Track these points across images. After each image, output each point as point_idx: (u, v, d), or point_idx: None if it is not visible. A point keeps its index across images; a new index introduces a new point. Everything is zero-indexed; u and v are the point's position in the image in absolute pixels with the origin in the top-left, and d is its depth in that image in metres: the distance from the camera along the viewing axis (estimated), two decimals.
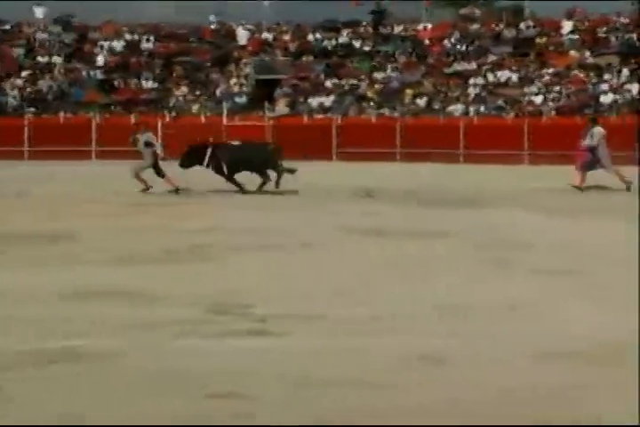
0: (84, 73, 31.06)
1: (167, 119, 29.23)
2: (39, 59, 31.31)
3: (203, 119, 29.76)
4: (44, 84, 30.27)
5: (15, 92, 29.77)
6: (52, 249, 11.28)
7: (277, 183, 18.29)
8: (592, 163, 18.76)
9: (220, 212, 15.17)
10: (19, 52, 31.47)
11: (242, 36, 32.95)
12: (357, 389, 5.85)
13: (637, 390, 5.60)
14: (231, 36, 33.18)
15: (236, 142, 19.98)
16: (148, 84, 31.00)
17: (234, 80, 31.43)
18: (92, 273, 9.71)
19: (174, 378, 6.08)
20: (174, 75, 31.44)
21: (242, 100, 30.91)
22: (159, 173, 18.09)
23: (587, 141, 18.94)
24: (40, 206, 15.80)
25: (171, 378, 6.08)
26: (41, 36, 32.08)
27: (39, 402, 5.64)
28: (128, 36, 32.47)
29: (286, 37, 33.02)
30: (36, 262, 10.30)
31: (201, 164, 18.82)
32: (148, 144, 18.25)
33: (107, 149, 27.57)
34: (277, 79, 31.52)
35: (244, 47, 32.74)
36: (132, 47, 32.31)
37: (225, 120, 29.59)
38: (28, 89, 30.02)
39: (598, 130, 19.09)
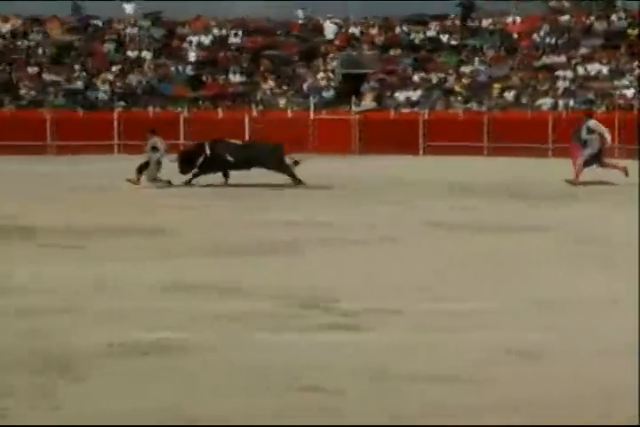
0: (172, 68, 31.35)
1: (254, 114, 29.36)
2: (129, 54, 31.69)
3: (289, 114, 29.83)
4: (133, 78, 30.64)
5: (106, 87, 30.18)
6: (147, 243, 11.41)
7: (295, 180, 18.31)
8: (591, 158, 18.78)
9: (302, 205, 15.21)
10: (109, 47, 31.90)
11: (329, 30, 32.94)
12: (444, 384, 5.80)
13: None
14: (318, 30, 33.19)
15: (236, 141, 19.98)
16: (236, 79, 31.17)
17: (321, 74, 31.44)
18: (184, 266, 9.79)
19: (262, 372, 6.09)
20: (262, 69, 31.55)
21: (329, 94, 30.91)
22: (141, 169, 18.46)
23: (584, 136, 18.97)
24: (132, 200, 16.02)
25: (258, 372, 6.09)
26: (131, 31, 32.48)
27: (133, 395, 5.70)
28: (216, 31, 32.69)
29: (373, 31, 32.92)
30: (130, 256, 10.43)
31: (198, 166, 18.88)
32: (154, 149, 18.60)
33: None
34: (364, 73, 31.44)
35: (331, 41, 32.71)
36: (220, 42, 32.51)
37: (312, 114, 29.63)
38: (119, 84, 30.41)
39: (596, 123, 19.18)
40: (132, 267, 9.78)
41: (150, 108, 29.57)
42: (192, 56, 31.71)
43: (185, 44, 32.32)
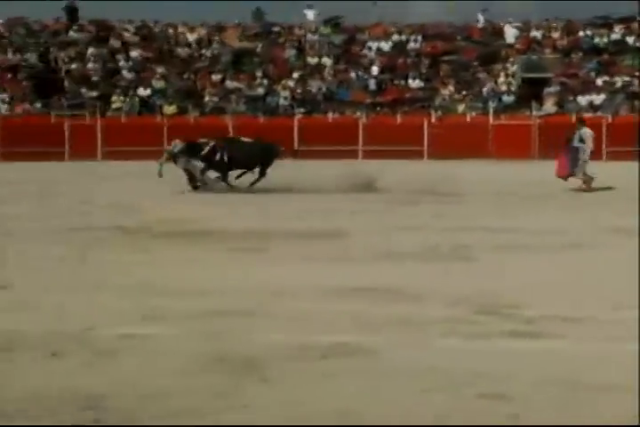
0: (352, 74, 31.55)
1: (433, 119, 29.26)
2: (309, 60, 32.08)
3: (468, 119, 29.60)
4: (313, 84, 30.99)
5: (286, 93, 30.62)
6: (324, 246, 11.50)
7: (254, 183, 18.70)
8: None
9: (475, 211, 15.05)
10: (290, 53, 32.37)
11: (510, 33, 32.52)
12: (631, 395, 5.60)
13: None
14: (499, 34, 32.82)
15: (242, 138, 19.90)
16: (415, 84, 31.13)
17: (501, 79, 31.06)
18: (361, 270, 9.82)
19: (438, 377, 6.03)
20: (441, 74, 31.42)
21: (508, 99, 30.50)
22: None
23: (576, 143, 18.86)
24: (308, 205, 16.17)
25: (435, 377, 6.04)
26: (311, 37, 32.87)
27: (314, 396, 5.74)
28: (396, 37, 32.73)
29: (555, 35, 32.32)
30: (308, 259, 10.53)
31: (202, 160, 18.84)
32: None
33: (373, 149, 27.93)
34: (545, 77, 30.90)
35: (511, 45, 32.29)
36: (400, 48, 32.54)
37: (491, 119, 29.32)
38: (299, 90, 30.81)
39: (588, 131, 19.03)
40: (312, 270, 9.86)
41: (329, 114, 29.86)
42: (374, 62, 31.82)
43: (365, 51, 32.48)
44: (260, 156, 19.31)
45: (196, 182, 18.95)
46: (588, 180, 18.70)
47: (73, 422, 5.28)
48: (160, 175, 18.49)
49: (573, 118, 28.40)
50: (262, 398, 5.71)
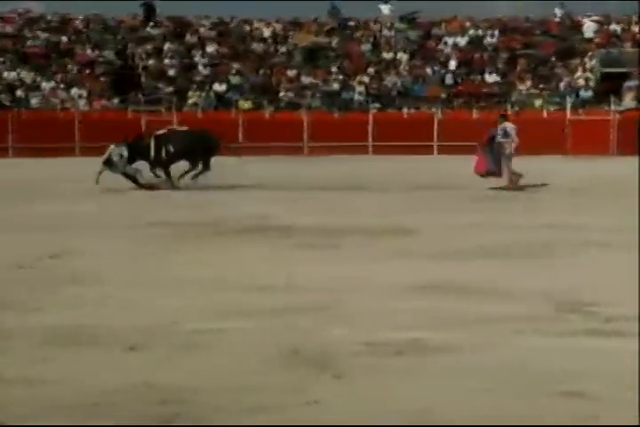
0: (428, 69, 31.39)
1: (509, 114, 28.97)
2: (384, 55, 31.98)
3: (545, 114, 29.27)
4: (389, 80, 30.89)
5: (361, 89, 30.57)
6: (398, 243, 11.45)
7: (197, 175, 18.25)
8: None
9: (550, 207, 14.87)
10: (365, 49, 32.30)
11: (588, 28, 32.08)
12: None
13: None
14: (577, 28, 32.40)
15: (181, 128, 19.54)
16: (491, 79, 30.86)
17: (579, 73, 30.67)
18: (436, 267, 9.76)
19: (517, 375, 5.96)
20: (518, 69, 31.11)
21: (586, 94, 30.10)
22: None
23: (499, 138, 18.58)
24: (376, 201, 16.14)
25: (513, 375, 5.96)
26: (387, 32, 32.76)
27: (387, 394, 5.70)
28: (472, 32, 32.49)
29: (635, 28, 31.80)
30: (382, 256, 10.50)
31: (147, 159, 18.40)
32: None
33: (448, 144, 27.76)
34: (625, 72, 30.41)
35: (590, 40, 31.86)
36: (476, 42, 32.29)
37: (568, 115, 28.96)
38: (374, 85, 30.73)
39: (510, 125, 18.71)
40: (385, 267, 9.82)
41: (404, 110, 29.74)
42: (451, 58, 31.62)
43: (440, 45, 32.29)
44: (201, 145, 18.80)
45: (141, 182, 18.38)
46: (515, 177, 18.31)
47: (152, 416, 5.31)
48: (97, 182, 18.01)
49: None
50: (335, 394, 5.69)
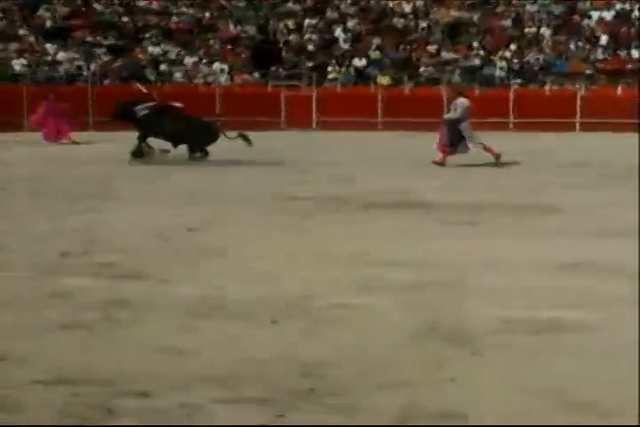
0: (571, 45, 30.73)
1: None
2: (527, 30, 31.43)
3: None
4: (531, 55, 30.37)
5: (503, 64, 30.14)
6: (538, 221, 11.31)
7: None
8: (457, 142, 17.86)
9: None
10: (507, 24, 31.81)
11: None
12: None
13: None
14: None
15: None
16: (637, 55, 30.03)
17: None
18: (571, 245, 9.61)
19: None
20: None
21: None
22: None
23: (449, 114, 18.32)
24: (516, 177, 15.94)
25: None
26: (530, 8, 32.18)
27: (524, 373, 5.66)
28: (619, 6, 31.63)
29: None
30: (522, 234, 10.38)
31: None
32: None
33: (591, 121, 27.20)
34: None
35: None
36: (623, 17, 31.43)
37: None
38: (515, 61, 30.26)
39: (462, 102, 18.10)
40: (526, 244, 9.71)
41: (547, 86, 29.21)
42: (593, 32, 30.89)
43: (585, 20, 31.56)
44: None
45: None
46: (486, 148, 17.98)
47: (289, 389, 5.38)
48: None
49: None
50: (472, 372, 5.68)
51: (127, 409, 5.05)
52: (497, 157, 17.91)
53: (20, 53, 29.41)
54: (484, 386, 5.43)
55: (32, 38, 30.42)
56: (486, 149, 18.06)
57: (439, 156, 18.09)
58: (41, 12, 31.50)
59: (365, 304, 7.23)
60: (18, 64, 29.10)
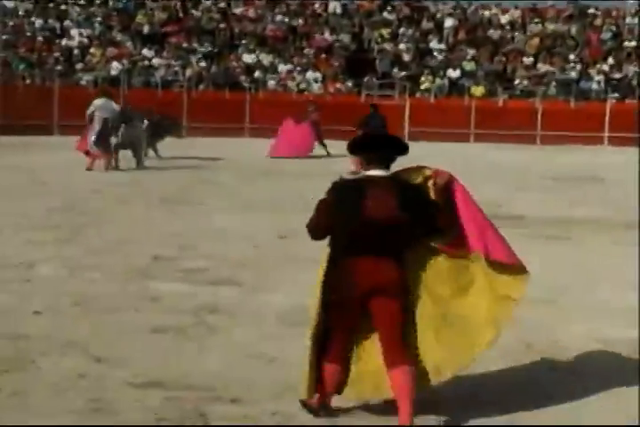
0: None
1: None
2: (626, 44, 30.94)
3: None
4: (630, 69, 29.87)
5: (600, 77, 29.72)
6: (621, 236, 11.13)
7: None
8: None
9: None
10: (606, 36, 31.37)
11: None
12: None
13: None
14: None
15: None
16: None
17: None
18: None
19: None
20: None
21: None
22: None
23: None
24: (615, 191, 15.67)
25: None
26: (630, 20, 31.68)
27: (618, 394, 5.56)
28: None
29: None
30: (611, 249, 10.20)
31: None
32: None
33: None
34: None
35: None
36: None
37: None
38: (614, 74, 29.81)
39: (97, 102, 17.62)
40: (619, 261, 9.53)
41: None
42: None
43: None
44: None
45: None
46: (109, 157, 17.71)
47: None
48: None
49: None
50: (568, 390, 5.57)
51: (220, 415, 5.06)
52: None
53: (117, 58, 29.88)
54: (579, 405, 5.34)
55: (129, 43, 30.89)
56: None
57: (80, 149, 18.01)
58: (139, 17, 31.98)
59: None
60: (115, 68, 29.56)
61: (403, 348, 4.91)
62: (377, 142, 5.04)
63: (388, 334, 4.90)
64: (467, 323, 5.07)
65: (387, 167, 4.97)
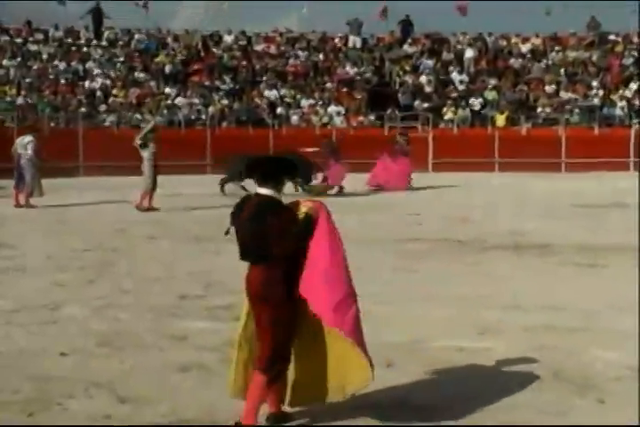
0: None
1: None
2: None
3: None
4: None
5: (623, 104, 29.63)
6: None
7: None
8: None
9: None
10: (628, 62, 31.31)
11: None
12: None
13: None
14: None
15: None
16: None
17: None
18: None
19: None
20: None
21: None
22: None
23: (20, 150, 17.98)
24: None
25: None
26: None
27: None
28: None
29: None
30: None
31: None
32: None
33: None
34: None
35: None
36: None
37: None
38: (637, 100, 29.71)
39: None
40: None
41: None
42: None
43: None
44: None
45: None
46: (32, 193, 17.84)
47: None
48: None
49: None
50: (597, 419, 5.50)
51: None
52: None
53: (140, 98, 30.06)
54: None
55: (152, 83, 31.10)
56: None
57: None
58: (160, 57, 32.22)
59: (484, 348, 7.11)
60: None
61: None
62: (261, 164, 5.44)
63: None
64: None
65: (273, 187, 5.41)
